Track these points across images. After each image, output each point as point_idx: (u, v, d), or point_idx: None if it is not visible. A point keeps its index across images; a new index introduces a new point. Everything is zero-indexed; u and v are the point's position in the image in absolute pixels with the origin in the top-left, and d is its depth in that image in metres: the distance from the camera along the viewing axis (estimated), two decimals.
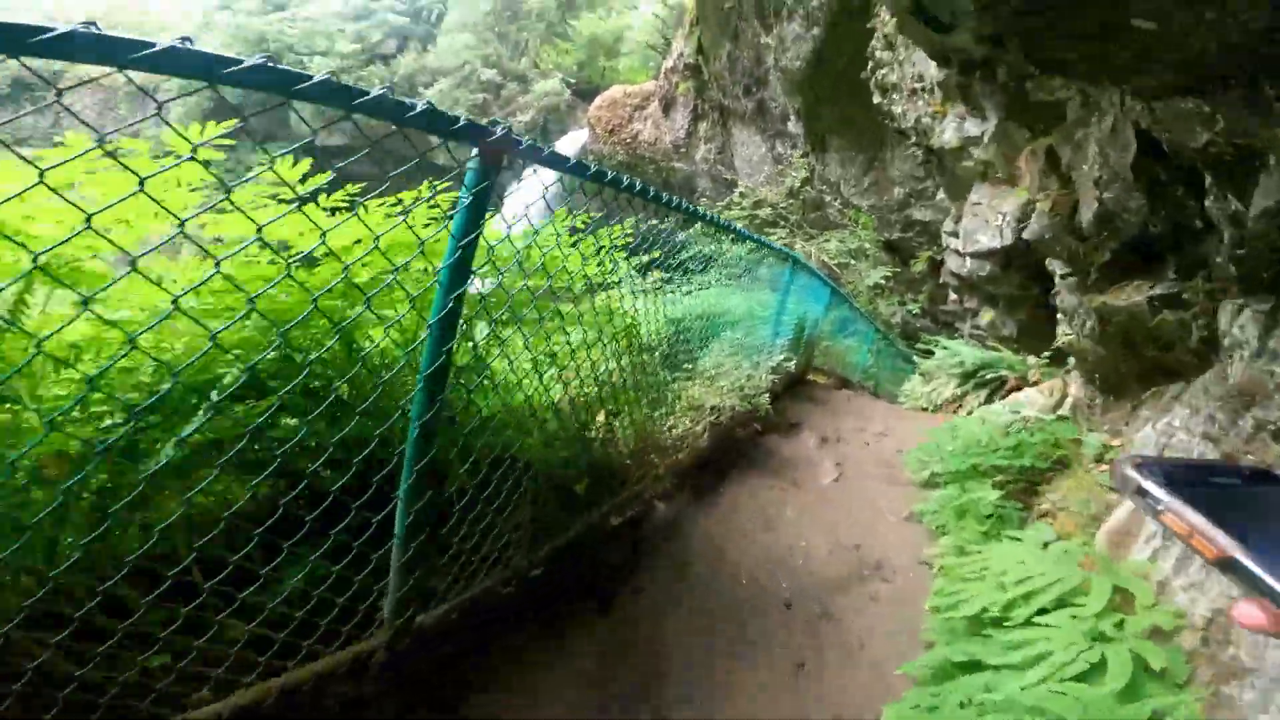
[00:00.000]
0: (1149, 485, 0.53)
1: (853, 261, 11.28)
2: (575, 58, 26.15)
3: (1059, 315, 4.07)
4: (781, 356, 5.86)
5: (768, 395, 4.99)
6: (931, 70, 5.36)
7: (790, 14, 10.06)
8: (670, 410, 3.76)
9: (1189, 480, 0.53)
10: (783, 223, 12.70)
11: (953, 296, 7.73)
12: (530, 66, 27.01)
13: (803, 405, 6.24)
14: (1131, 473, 0.54)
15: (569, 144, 28.67)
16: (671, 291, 4.03)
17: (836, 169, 12.63)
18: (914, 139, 6.15)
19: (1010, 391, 6.25)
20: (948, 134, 5.26)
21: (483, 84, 26.44)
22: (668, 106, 22.50)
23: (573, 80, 26.46)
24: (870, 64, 7.06)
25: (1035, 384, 5.68)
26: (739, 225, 4.53)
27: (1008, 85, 3.23)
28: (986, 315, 6.54)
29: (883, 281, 11.37)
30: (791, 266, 6.08)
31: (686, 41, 17.70)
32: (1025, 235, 3.77)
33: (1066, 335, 4.04)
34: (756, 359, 5.29)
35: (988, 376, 6.79)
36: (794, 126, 13.58)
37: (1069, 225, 3.26)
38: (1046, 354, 5.75)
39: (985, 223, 5.00)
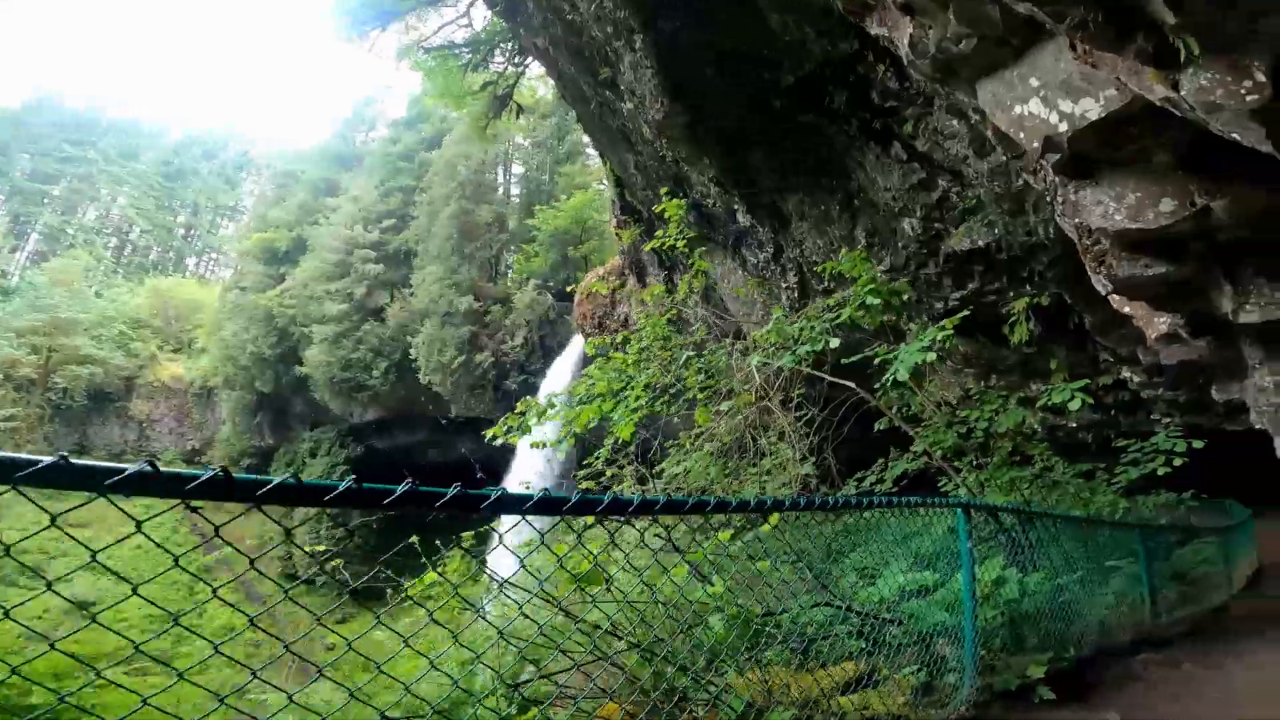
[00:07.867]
0: None
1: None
2: (546, 259, 24.47)
3: None
4: None
5: None
6: None
7: (616, 44, 6.41)
8: None
9: None
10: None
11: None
12: (508, 282, 25.53)
13: None
14: None
15: (570, 355, 25.00)
16: None
17: (814, 240, 8.13)
18: None
19: None
20: None
21: (465, 315, 24.89)
22: (640, 271, 19.40)
23: (552, 283, 24.52)
24: None
25: None
26: None
27: None
28: None
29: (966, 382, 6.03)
30: None
31: (608, 182, 14.89)
32: None
33: None
34: None
35: None
36: (743, 216, 9.50)
37: None
38: None
39: None
